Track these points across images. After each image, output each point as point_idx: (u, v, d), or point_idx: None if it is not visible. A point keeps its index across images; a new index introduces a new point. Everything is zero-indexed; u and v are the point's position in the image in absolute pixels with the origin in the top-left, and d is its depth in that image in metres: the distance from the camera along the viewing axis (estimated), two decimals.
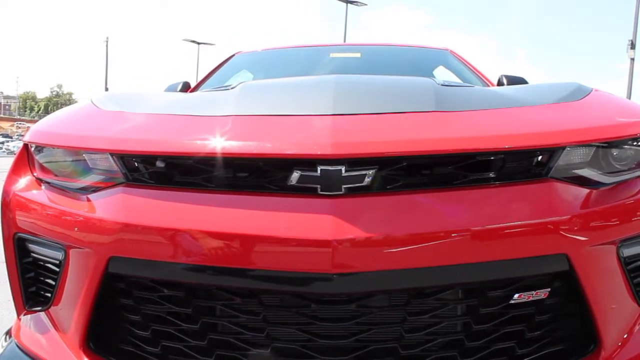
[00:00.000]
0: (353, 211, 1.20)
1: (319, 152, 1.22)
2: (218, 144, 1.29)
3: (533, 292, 1.29)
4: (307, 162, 1.23)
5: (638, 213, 1.35)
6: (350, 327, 1.28)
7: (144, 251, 1.29)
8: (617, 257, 1.31)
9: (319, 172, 1.22)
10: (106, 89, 38.24)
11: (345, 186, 1.22)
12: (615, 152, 1.39)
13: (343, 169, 1.22)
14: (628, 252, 1.33)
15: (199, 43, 43.64)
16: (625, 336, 1.34)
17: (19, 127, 58.76)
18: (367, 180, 1.23)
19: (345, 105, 1.40)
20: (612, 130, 1.39)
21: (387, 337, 1.29)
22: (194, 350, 1.34)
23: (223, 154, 1.27)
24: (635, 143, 1.42)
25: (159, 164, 1.36)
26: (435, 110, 1.38)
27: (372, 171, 1.23)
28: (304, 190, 1.24)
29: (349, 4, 28.53)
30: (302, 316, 1.29)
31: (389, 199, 1.23)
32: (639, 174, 1.41)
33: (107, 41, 40.92)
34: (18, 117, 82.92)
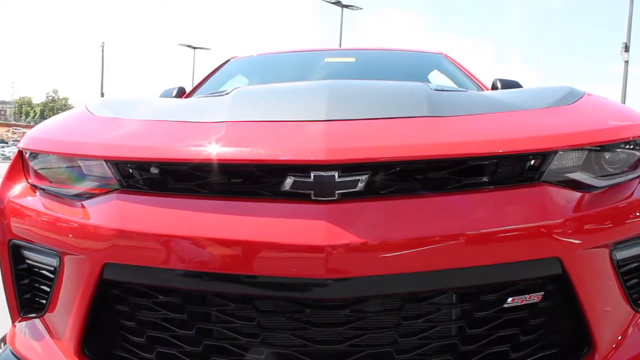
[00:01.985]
0: (346, 216, 1.20)
1: (312, 158, 1.22)
2: (212, 150, 1.29)
3: (527, 295, 1.30)
4: (300, 168, 1.24)
5: (630, 216, 1.36)
6: (344, 332, 1.28)
7: (138, 257, 1.29)
8: (610, 260, 1.32)
9: (312, 177, 1.23)
10: (102, 94, 38.19)
11: (338, 192, 1.22)
12: (607, 155, 1.40)
13: (336, 174, 1.22)
14: (621, 255, 1.34)
15: (194, 47, 43.68)
16: (619, 338, 1.34)
17: (15, 133, 58.86)
18: (361, 185, 1.23)
19: (338, 110, 1.40)
20: (604, 134, 1.40)
21: (381, 341, 1.29)
22: (188, 356, 1.34)
23: (217, 160, 1.28)
24: (627, 146, 1.43)
25: (154, 170, 1.36)
26: (427, 115, 1.39)
27: (365, 177, 1.24)
28: (297, 196, 1.24)
29: (344, 8, 28.56)
30: (297, 321, 1.29)
31: (382, 204, 1.24)
32: (631, 177, 1.41)
33: (103, 46, 40.87)
34: (14, 122, 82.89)
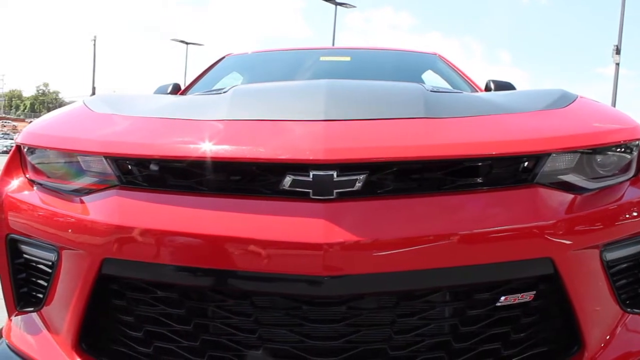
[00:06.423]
0: (344, 215, 1.22)
1: (311, 157, 1.24)
2: (212, 148, 1.30)
3: (519, 294, 1.32)
4: (299, 167, 1.26)
5: (620, 218, 1.39)
6: (340, 329, 1.30)
7: (137, 253, 1.30)
8: (600, 260, 1.35)
9: (311, 176, 1.25)
10: (93, 88, 37.92)
11: (337, 191, 1.24)
12: (599, 158, 1.43)
13: (335, 173, 1.24)
14: (611, 255, 1.37)
15: (187, 43, 43.42)
16: (607, 337, 1.37)
17: (4, 126, 58.71)
18: (358, 185, 1.25)
19: (336, 110, 1.42)
20: (596, 137, 1.42)
21: (376, 338, 1.31)
22: (186, 351, 1.35)
23: (216, 158, 1.29)
24: (618, 149, 1.46)
25: (153, 167, 1.37)
26: (424, 116, 1.41)
27: (363, 176, 1.26)
28: (296, 195, 1.26)
29: (338, 6, 28.50)
30: (294, 317, 1.31)
31: (379, 203, 1.26)
32: (622, 180, 1.45)
33: (95, 40, 40.54)
34: (3, 115, 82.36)
